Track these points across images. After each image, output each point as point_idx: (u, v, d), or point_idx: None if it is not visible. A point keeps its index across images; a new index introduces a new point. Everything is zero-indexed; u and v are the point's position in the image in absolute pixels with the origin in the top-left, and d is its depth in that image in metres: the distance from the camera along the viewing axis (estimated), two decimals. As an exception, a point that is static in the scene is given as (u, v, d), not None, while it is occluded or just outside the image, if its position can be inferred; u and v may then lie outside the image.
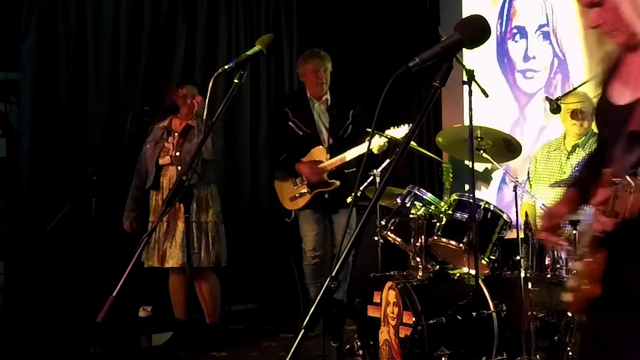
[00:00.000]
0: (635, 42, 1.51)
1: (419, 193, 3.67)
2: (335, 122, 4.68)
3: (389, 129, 4.12)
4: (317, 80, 4.69)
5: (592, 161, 1.79)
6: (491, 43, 4.89)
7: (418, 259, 3.50)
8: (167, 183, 4.32)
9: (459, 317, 3.24)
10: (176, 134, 4.37)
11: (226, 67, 2.24)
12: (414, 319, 3.18)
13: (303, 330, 1.33)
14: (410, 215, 3.56)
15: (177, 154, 4.28)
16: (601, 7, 1.50)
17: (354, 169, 4.65)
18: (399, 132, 4.06)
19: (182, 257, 4.20)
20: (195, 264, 4.26)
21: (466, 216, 3.44)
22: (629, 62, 1.57)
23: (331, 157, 4.56)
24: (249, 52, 2.25)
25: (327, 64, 4.72)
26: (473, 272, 3.30)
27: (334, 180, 4.60)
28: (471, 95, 3.38)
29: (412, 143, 3.93)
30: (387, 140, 4.13)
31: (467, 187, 4.65)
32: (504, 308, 3.31)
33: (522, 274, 3.20)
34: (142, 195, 4.43)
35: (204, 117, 2.60)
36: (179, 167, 4.27)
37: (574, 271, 1.65)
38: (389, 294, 3.39)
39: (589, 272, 1.52)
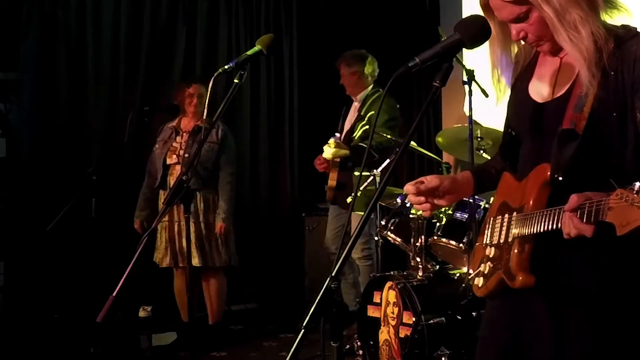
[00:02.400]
0: (555, 49, 1.60)
1: (419, 193, 3.66)
2: (355, 121, 4.72)
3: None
4: (347, 82, 4.76)
5: (503, 151, 1.83)
6: (491, 43, 4.87)
7: (418, 259, 3.51)
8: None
9: (459, 317, 3.24)
10: (185, 134, 4.37)
11: (226, 67, 2.23)
12: (414, 319, 3.18)
13: (303, 330, 1.33)
14: (410, 215, 3.56)
15: (186, 155, 4.26)
16: (526, 22, 1.56)
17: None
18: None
19: (197, 257, 4.23)
20: (211, 263, 4.29)
21: (466, 216, 3.43)
22: (547, 64, 1.66)
23: None
24: (249, 52, 2.25)
25: (357, 67, 4.68)
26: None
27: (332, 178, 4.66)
28: (471, 95, 3.39)
29: (412, 143, 3.95)
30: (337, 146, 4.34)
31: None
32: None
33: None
34: (153, 195, 4.44)
35: (204, 116, 2.61)
36: (184, 169, 4.24)
37: (487, 257, 1.67)
38: (389, 294, 3.39)
39: (518, 263, 1.54)
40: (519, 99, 1.71)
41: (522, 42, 1.66)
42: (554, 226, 1.44)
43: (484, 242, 1.72)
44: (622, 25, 1.57)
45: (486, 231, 1.73)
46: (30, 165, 4.84)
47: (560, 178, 1.51)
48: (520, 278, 1.52)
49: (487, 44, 1.62)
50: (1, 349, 4.15)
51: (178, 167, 4.31)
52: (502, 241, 1.63)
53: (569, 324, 1.52)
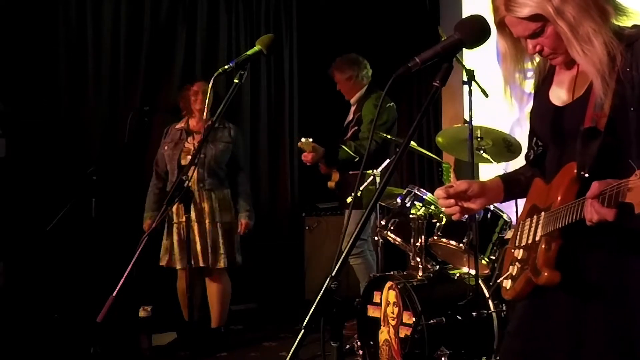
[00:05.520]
0: (569, 60, 1.64)
1: (419, 193, 3.67)
2: (347, 123, 4.74)
3: None
4: (344, 88, 4.82)
5: (534, 158, 1.86)
6: (491, 43, 4.88)
7: (418, 259, 3.51)
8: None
9: (459, 317, 3.24)
10: (196, 134, 4.34)
11: (226, 67, 2.24)
12: (414, 319, 3.18)
13: (303, 330, 1.33)
14: (410, 215, 3.56)
15: (202, 155, 4.22)
16: (542, 36, 1.60)
17: (357, 171, 4.66)
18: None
19: (203, 258, 4.23)
20: (206, 264, 4.28)
21: (466, 216, 3.43)
22: (563, 72, 1.72)
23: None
24: (249, 52, 2.25)
25: (351, 72, 4.75)
26: (473, 272, 3.30)
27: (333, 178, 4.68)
28: (471, 95, 3.39)
29: (412, 143, 3.95)
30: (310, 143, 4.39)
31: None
32: (504, 308, 3.31)
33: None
34: (162, 195, 4.42)
35: (204, 116, 2.61)
36: (200, 170, 4.26)
37: (516, 259, 1.70)
38: (389, 294, 3.39)
39: (544, 260, 1.56)
40: (540, 106, 1.76)
41: (537, 57, 1.71)
42: (578, 216, 1.46)
43: (514, 245, 1.75)
44: (634, 25, 1.61)
45: (516, 234, 1.76)
46: (30, 165, 4.83)
47: (587, 175, 1.54)
48: (546, 274, 1.54)
49: (489, 45, 1.64)
50: (1, 349, 4.15)
51: (193, 168, 4.29)
52: (530, 242, 1.66)
53: (588, 317, 1.56)
